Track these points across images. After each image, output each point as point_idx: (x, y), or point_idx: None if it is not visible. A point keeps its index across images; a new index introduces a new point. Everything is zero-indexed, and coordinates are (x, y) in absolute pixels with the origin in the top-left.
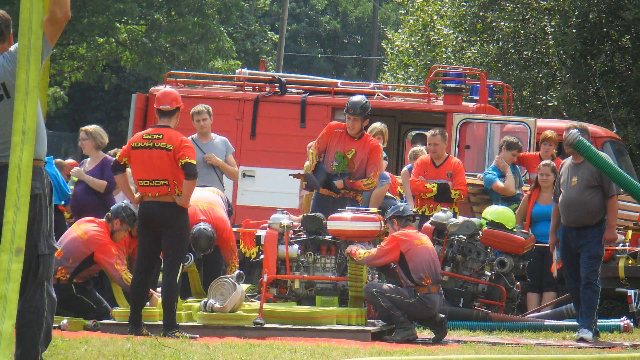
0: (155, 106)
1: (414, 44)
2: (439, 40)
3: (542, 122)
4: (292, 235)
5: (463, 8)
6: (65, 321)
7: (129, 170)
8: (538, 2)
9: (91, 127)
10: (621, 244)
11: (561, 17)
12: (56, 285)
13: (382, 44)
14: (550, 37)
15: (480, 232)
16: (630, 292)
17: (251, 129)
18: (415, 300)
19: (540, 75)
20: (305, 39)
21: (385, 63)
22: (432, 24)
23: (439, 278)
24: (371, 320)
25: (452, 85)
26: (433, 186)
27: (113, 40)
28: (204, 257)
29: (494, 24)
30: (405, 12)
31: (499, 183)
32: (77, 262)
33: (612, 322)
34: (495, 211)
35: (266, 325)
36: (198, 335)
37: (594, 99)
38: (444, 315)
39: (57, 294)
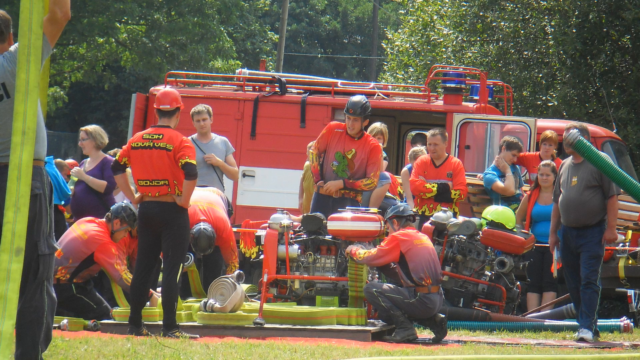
0: (155, 106)
1: (414, 44)
2: (439, 40)
3: (542, 122)
4: (292, 235)
5: (463, 8)
6: (65, 321)
7: (129, 170)
8: (538, 2)
9: (91, 127)
10: (621, 244)
11: (561, 17)
12: (56, 285)
13: (382, 44)
14: (550, 37)
15: (480, 232)
16: (630, 292)
17: (251, 129)
18: (415, 300)
19: (540, 75)
20: (305, 39)
21: (385, 63)
22: (432, 24)
23: (439, 278)
24: (371, 320)
25: (452, 85)
26: (433, 186)
27: (113, 40)
28: (204, 257)
29: (494, 24)
30: (405, 12)
31: (499, 183)
32: (77, 262)
33: (612, 322)
34: (495, 211)
35: (266, 325)
36: (198, 335)
37: (594, 99)
38: (444, 315)
39: (57, 294)
